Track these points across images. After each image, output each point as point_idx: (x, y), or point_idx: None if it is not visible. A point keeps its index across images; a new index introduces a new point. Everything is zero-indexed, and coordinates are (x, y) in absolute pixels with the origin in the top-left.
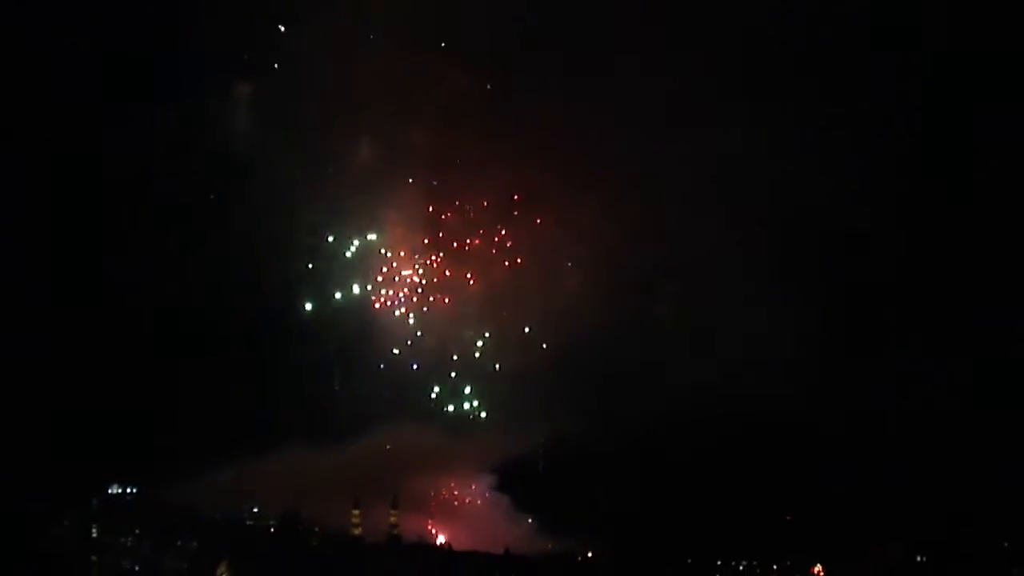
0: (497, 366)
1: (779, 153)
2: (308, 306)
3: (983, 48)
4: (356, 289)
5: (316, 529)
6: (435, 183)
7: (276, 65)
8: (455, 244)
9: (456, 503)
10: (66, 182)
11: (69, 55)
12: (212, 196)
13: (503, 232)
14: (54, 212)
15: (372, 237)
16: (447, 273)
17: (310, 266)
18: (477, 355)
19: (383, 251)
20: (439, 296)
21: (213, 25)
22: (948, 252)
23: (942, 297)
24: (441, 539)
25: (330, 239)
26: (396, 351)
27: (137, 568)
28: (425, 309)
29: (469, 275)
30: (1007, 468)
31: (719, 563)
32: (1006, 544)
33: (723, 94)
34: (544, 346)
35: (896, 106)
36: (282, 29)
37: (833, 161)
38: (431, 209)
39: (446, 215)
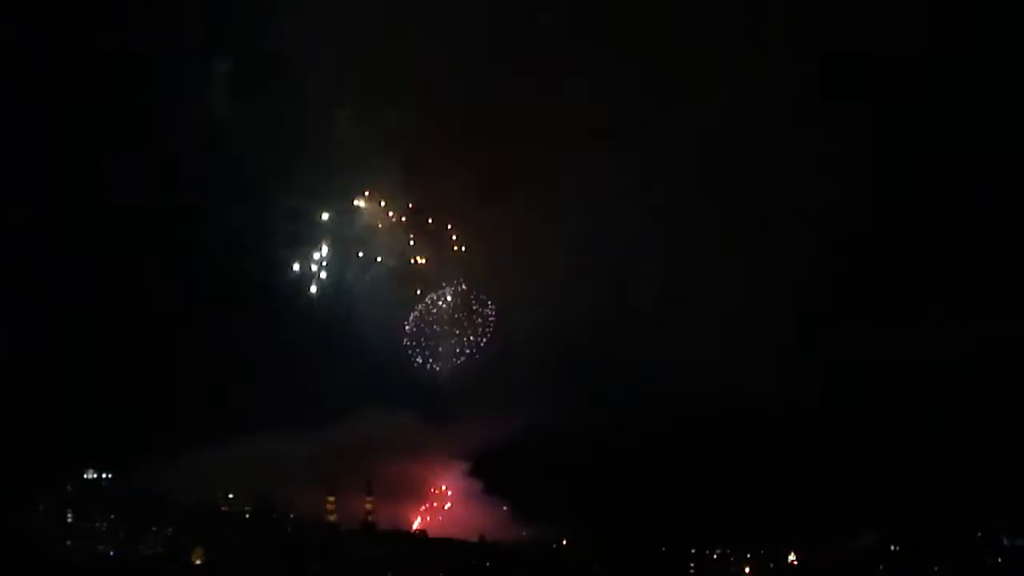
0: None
1: (761, 138)
2: (284, 292)
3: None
4: (332, 274)
5: (291, 515)
6: (416, 166)
7: (260, 48)
8: (435, 227)
9: (431, 489)
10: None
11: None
12: (186, 181)
13: (483, 216)
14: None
15: (351, 220)
16: (426, 257)
17: (286, 250)
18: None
19: (362, 235)
20: (418, 281)
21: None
22: (933, 240)
23: (921, 290)
24: (416, 525)
25: (308, 222)
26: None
27: (112, 553)
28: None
29: (448, 260)
30: (980, 459)
31: (693, 551)
32: (979, 533)
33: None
34: (523, 333)
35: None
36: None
37: (814, 149)
38: (411, 192)
39: (426, 198)
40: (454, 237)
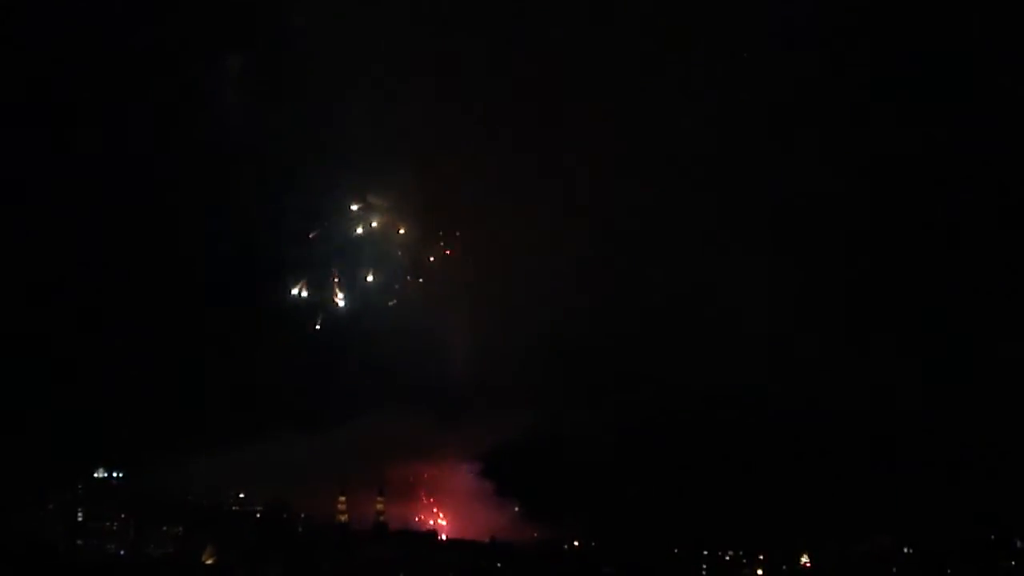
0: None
1: (772, 144)
2: (295, 293)
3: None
4: (344, 276)
5: (302, 515)
6: (421, 169)
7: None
8: (442, 230)
9: (442, 489)
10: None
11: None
12: (200, 184)
13: (497, 218)
14: (38, 199)
15: (362, 224)
16: (436, 258)
17: (298, 253)
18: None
19: (373, 238)
20: (428, 282)
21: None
22: (943, 240)
23: (936, 296)
24: (427, 526)
25: (321, 227)
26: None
27: (122, 552)
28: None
29: (458, 261)
30: (994, 462)
31: (705, 553)
32: (993, 536)
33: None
34: (533, 334)
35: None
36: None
37: (827, 153)
38: (422, 195)
39: (433, 201)
40: (461, 239)
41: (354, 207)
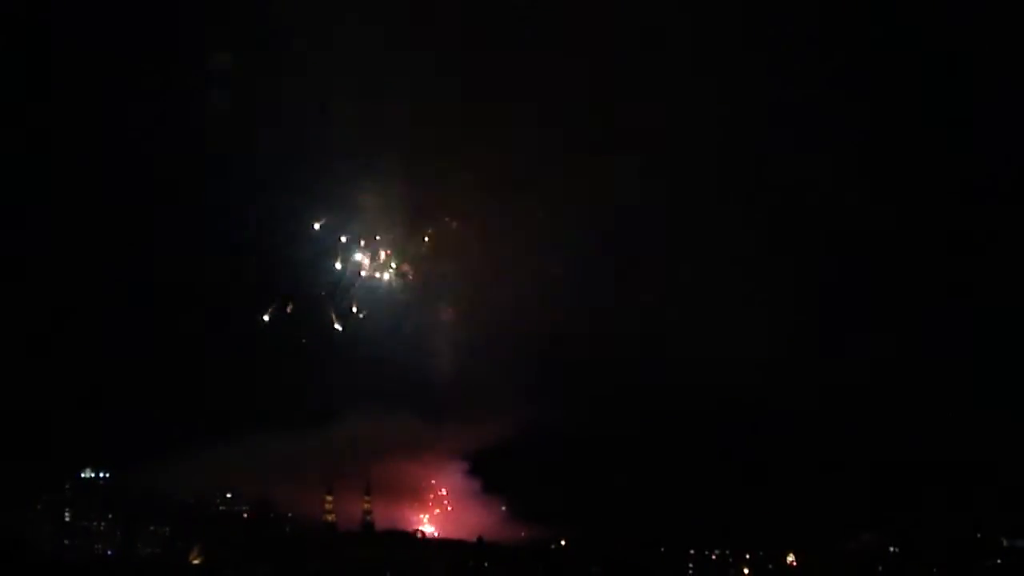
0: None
1: (763, 137)
2: (282, 293)
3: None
4: (329, 276)
5: (289, 515)
6: (415, 166)
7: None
8: (433, 228)
9: (429, 489)
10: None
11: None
12: (187, 184)
13: (482, 217)
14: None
15: (350, 222)
16: (425, 258)
17: (286, 253)
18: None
19: (360, 236)
20: (414, 281)
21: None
22: (934, 239)
23: (916, 291)
24: (414, 525)
25: (308, 227)
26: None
27: (110, 552)
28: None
29: (446, 260)
30: (979, 463)
31: (692, 552)
32: (979, 535)
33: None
34: (520, 333)
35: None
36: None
37: (817, 148)
38: (409, 194)
39: (426, 200)
40: (449, 238)
41: (342, 208)
